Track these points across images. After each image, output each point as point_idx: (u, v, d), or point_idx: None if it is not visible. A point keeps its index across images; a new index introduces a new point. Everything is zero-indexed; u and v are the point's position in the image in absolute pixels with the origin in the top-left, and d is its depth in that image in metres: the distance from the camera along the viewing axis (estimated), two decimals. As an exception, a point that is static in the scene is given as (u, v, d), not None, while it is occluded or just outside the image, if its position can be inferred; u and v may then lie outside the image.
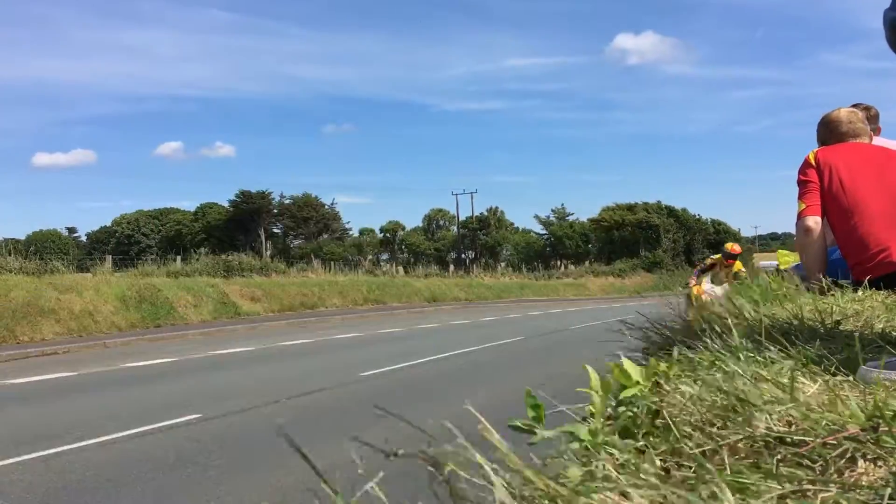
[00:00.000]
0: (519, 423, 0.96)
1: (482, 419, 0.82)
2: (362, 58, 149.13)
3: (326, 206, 77.18)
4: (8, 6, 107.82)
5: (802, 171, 3.27)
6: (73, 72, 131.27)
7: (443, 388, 8.65)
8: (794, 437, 0.74)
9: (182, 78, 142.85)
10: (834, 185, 3.12)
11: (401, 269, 46.46)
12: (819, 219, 3.16)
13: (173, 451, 5.57)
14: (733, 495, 0.62)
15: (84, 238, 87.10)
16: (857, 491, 0.62)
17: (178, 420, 6.66)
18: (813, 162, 3.24)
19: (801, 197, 3.22)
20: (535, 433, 0.94)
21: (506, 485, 0.68)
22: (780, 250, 4.37)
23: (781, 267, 4.07)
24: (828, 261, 3.23)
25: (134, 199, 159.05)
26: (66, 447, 5.73)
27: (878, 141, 4.19)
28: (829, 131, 3.57)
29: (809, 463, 0.70)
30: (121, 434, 6.14)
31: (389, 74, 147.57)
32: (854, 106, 4.66)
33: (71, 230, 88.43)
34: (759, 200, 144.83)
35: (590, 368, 1.09)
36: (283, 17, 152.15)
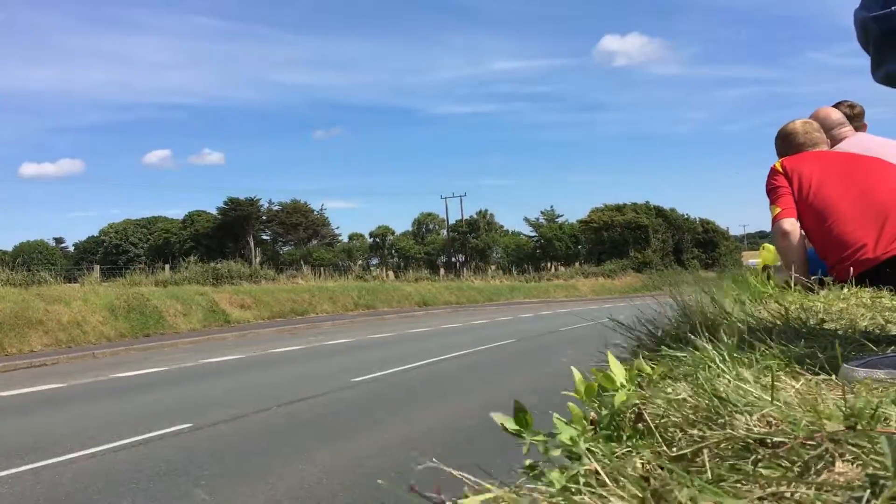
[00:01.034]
0: (508, 428, 0.96)
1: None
2: (351, 62, 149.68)
3: (315, 212, 77.07)
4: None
5: (771, 178, 3.33)
6: (59, 80, 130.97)
7: (435, 392, 8.65)
8: (774, 438, 0.75)
9: (170, 85, 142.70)
10: (804, 191, 3.18)
11: (391, 273, 46.41)
12: (795, 221, 3.20)
13: (164, 461, 5.54)
14: (712, 499, 0.62)
15: (72, 248, 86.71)
16: (834, 492, 0.63)
17: (168, 430, 6.63)
18: (780, 169, 3.30)
19: (774, 202, 3.26)
20: (523, 438, 0.94)
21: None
22: (765, 244, 4.33)
23: (761, 264, 4.04)
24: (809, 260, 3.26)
25: (122, 208, 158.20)
26: (55, 459, 5.70)
27: (864, 138, 4.22)
28: (788, 143, 3.64)
29: (788, 464, 0.71)
30: (111, 445, 6.10)
31: (378, 79, 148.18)
32: (839, 103, 4.69)
33: (58, 240, 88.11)
34: (747, 199, 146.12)
35: (575, 371, 1.09)
36: (270, 23, 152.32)
